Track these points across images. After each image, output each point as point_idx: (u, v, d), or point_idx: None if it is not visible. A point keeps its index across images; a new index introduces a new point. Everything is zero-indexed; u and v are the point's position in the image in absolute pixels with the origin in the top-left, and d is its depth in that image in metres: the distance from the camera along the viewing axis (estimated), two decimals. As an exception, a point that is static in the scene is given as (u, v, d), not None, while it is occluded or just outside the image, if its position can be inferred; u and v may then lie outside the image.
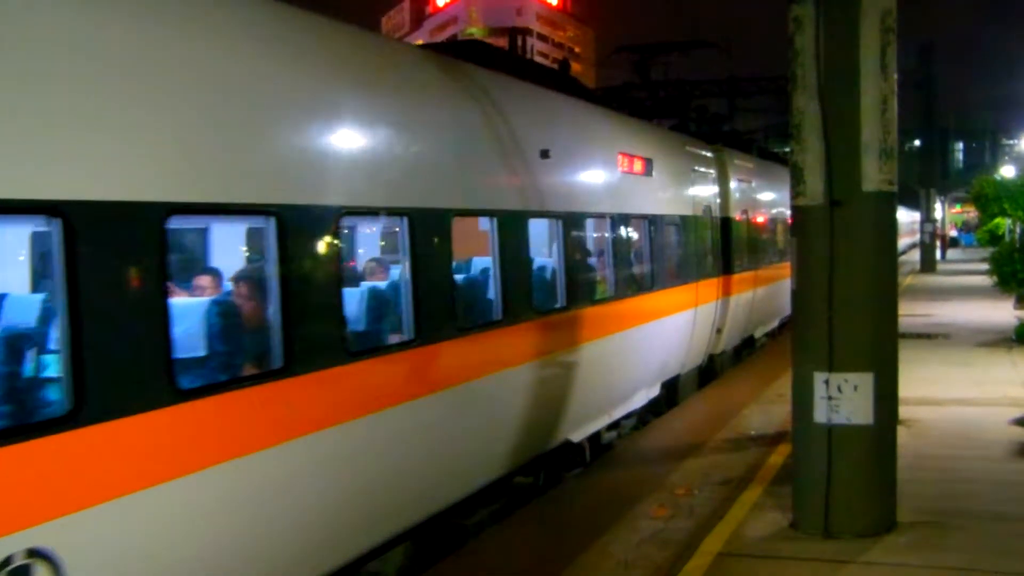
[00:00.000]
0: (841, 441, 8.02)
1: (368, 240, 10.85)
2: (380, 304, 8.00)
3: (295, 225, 6.17)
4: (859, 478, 8.11)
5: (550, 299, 10.38)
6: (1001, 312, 23.93)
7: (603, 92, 18.96)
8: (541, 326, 9.83)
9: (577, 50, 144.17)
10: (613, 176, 12.33)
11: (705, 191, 16.87)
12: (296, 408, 6.16)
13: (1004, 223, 39.53)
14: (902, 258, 58.73)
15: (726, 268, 17.68)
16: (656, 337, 13.49)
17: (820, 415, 8.07)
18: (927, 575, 7.34)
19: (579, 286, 10.90)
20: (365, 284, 8.34)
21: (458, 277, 9.11)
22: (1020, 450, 10.78)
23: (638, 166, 13.13)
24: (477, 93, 9.24)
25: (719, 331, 17.15)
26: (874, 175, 7.93)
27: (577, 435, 11.10)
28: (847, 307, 7.97)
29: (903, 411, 11.34)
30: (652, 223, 13.58)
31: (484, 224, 9.27)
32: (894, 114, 8.00)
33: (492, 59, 10.71)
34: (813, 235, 8.12)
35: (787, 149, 12.68)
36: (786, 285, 21.05)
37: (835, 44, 7.92)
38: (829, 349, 7.97)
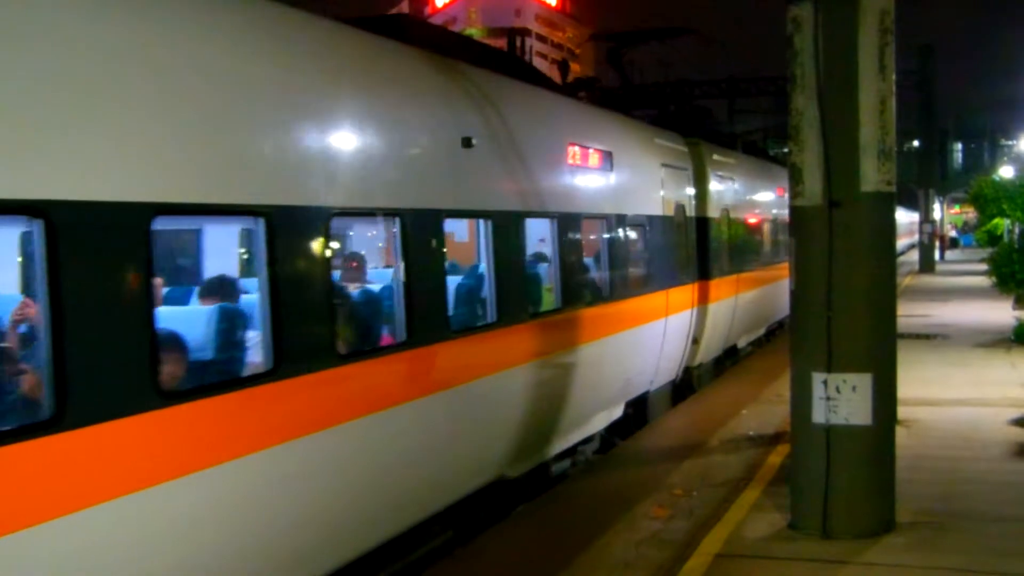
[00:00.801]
0: (840, 442, 8.02)
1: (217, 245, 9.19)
2: (232, 327, 6.74)
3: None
4: (858, 479, 8.10)
5: (476, 314, 9.20)
6: (1000, 312, 23.91)
7: (573, 82, 17.14)
8: (462, 346, 8.39)
9: (576, 51, 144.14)
10: (562, 170, 10.82)
11: (678, 188, 15.27)
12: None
13: (1003, 224, 39.54)
14: (901, 258, 58.76)
15: (703, 273, 16.24)
16: (617, 352, 12.06)
17: (819, 416, 8.07)
18: (926, 575, 7.35)
19: (516, 298, 9.48)
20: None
21: (348, 292, 7.92)
22: (1019, 451, 10.77)
23: (594, 159, 11.62)
24: (383, 70, 7.90)
25: (696, 342, 15.85)
26: (873, 176, 7.93)
27: (516, 469, 9.68)
28: (846, 307, 7.96)
29: (902, 412, 11.35)
30: (612, 224, 12.12)
31: (390, 226, 7.88)
32: (892, 114, 8.00)
33: (419, 35, 9.19)
34: (812, 235, 8.12)
35: (785, 150, 12.47)
36: (773, 290, 20.45)
37: (834, 44, 7.92)
38: (828, 349, 7.96)
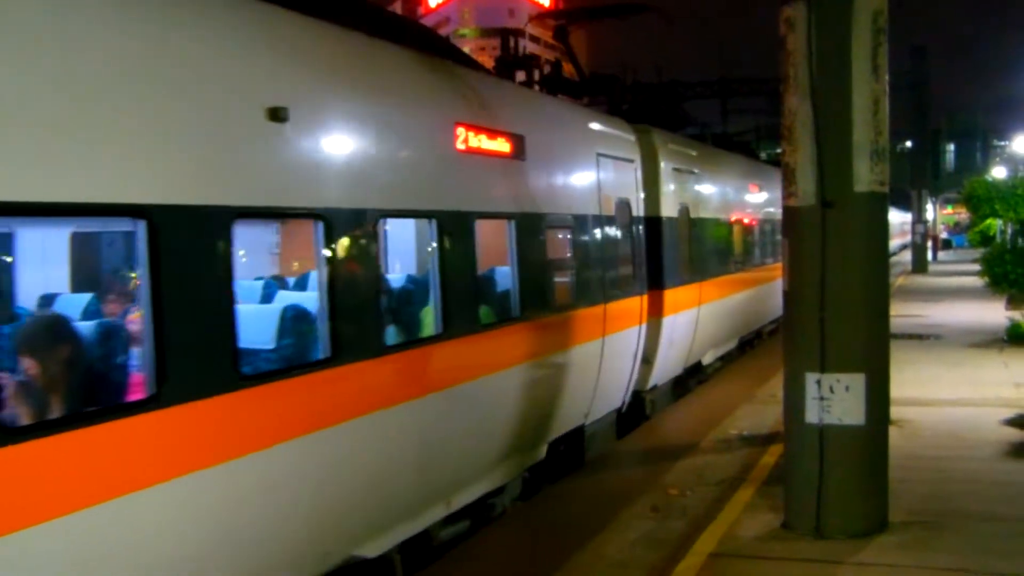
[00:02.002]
0: (833, 441, 8.03)
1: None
2: None
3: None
4: (851, 478, 8.12)
5: (304, 348, 7.02)
6: (992, 313, 23.95)
7: (511, 60, 14.62)
8: (263, 396, 6.11)
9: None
10: (445, 157, 8.49)
11: (621, 183, 12.81)
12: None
13: (995, 224, 39.63)
14: (894, 259, 58.87)
15: (656, 281, 13.98)
16: (529, 385, 9.69)
17: (812, 415, 8.08)
18: (919, 575, 7.35)
19: (367, 325, 7.17)
20: None
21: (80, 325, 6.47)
22: (1012, 450, 10.80)
23: (498, 145, 9.33)
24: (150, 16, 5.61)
25: (647, 362, 13.67)
26: (866, 176, 7.94)
27: (375, 547, 7.45)
28: (839, 308, 7.97)
29: (895, 411, 11.33)
30: (522, 225, 9.67)
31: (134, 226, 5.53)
32: (886, 115, 8.02)
33: None
34: (805, 236, 8.13)
35: (778, 150, 11.86)
36: (746, 298, 19.64)
37: (827, 45, 7.93)
38: (821, 350, 7.97)
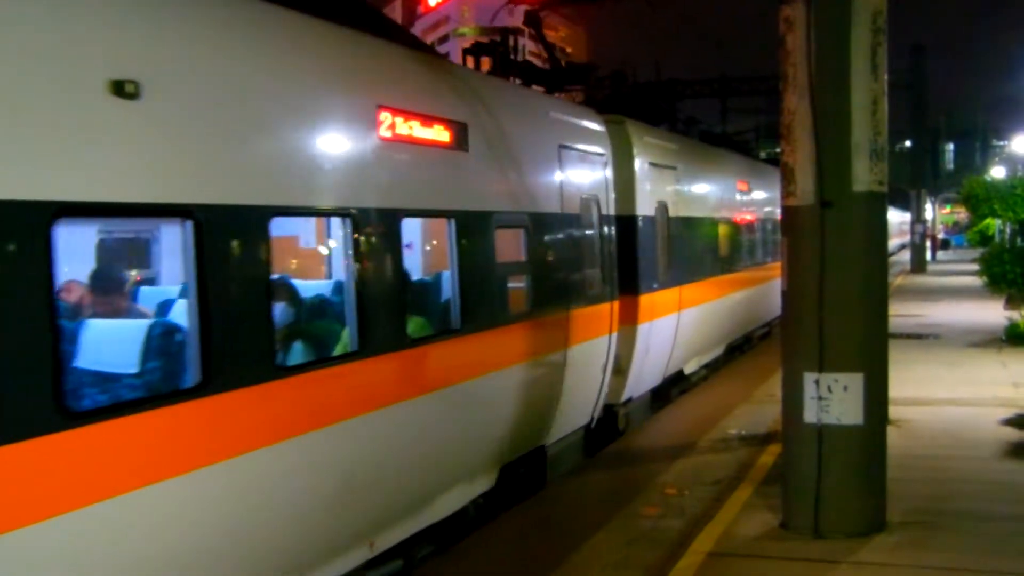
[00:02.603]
0: (831, 441, 8.03)
1: None
2: None
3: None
4: (849, 478, 8.11)
5: (166, 373, 5.88)
6: (991, 312, 23.95)
7: (473, 46, 13.20)
8: (108, 433, 5.02)
9: (569, 50, 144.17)
10: (363, 146, 7.31)
11: (587, 178, 11.64)
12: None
13: (994, 224, 39.63)
14: (892, 258, 58.88)
15: (630, 286, 12.87)
16: (470, 408, 8.69)
17: (810, 415, 8.07)
18: (917, 575, 7.35)
19: (252, 344, 6.04)
20: None
21: None
22: (1010, 450, 10.80)
23: (435, 133, 8.25)
24: None
25: (620, 373, 12.68)
26: (864, 175, 7.94)
27: None
28: (837, 307, 7.97)
29: (893, 411, 11.37)
30: (464, 224, 8.63)
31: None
32: (884, 114, 8.01)
33: None
34: (803, 235, 8.12)
35: (778, 149, 11.55)
36: (734, 302, 19.37)
37: (826, 44, 7.92)
38: (819, 349, 7.97)
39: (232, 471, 5.79)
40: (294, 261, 9.65)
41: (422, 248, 10.13)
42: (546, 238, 10.36)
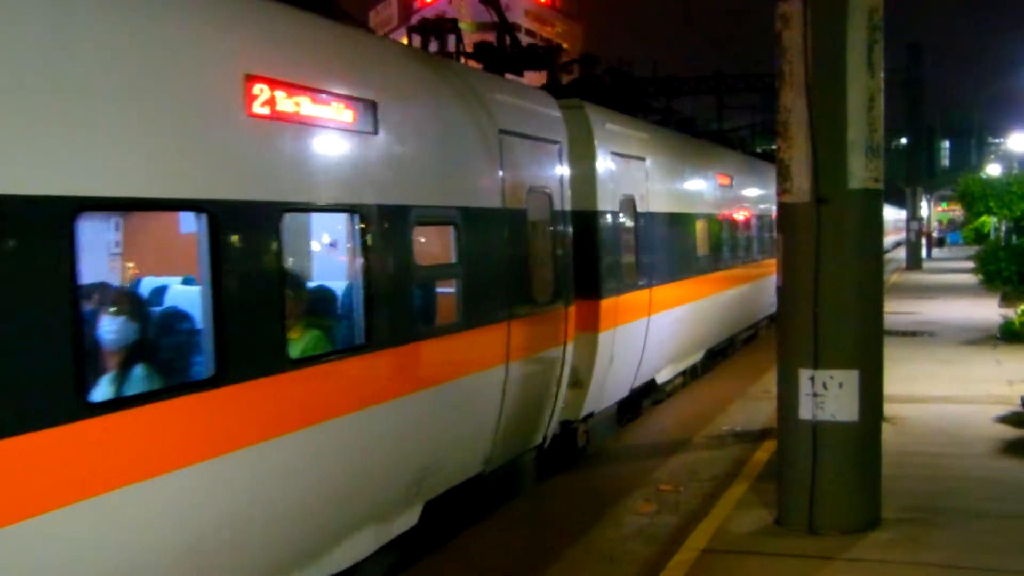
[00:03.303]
0: (826, 438, 8.04)
1: None
2: None
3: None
4: (844, 475, 8.13)
5: None
6: (986, 310, 24.02)
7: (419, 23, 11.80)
8: None
9: (565, 46, 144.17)
10: (225, 125, 6.02)
11: (538, 169, 10.33)
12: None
13: (989, 221, 39.70)
14: (888, 256, 58.94)
15: (589, 289, 11.46)
16: (375, 439, 7.29)
17: (805, 412, 8.08)
18: (911, 572, 7.36)
19: (49, 372, 4.73)
20: None
21: None
22: (1004, 447, 10.82)
23: (332, 111, 6.88)
24: None
25: (578, 386, 11.39)
26: (860, 173, 7.95)
27: None
28: (833, 304, 7.98)
29: (888, 408, 11.38)
30: (371, 220, 7.24)
31: None
32: (880, 112, 8.02)
33: None
34: (799, 232, 8.13)
35: (774, 146, 11.27)
36: (713, 304, 17.29)
37: (822, 41, 7.92)
38: (814, 346, 7.98)
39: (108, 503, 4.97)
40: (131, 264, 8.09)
41: (319, 249, 8.61)
42: (483, 237, 9.06)
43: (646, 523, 8.72)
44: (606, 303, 11.81)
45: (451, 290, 8.59)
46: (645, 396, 14.56)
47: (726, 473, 10.18)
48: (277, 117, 6.34)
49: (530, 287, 9.95)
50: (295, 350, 6.64)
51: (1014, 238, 26.50)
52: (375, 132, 7.39)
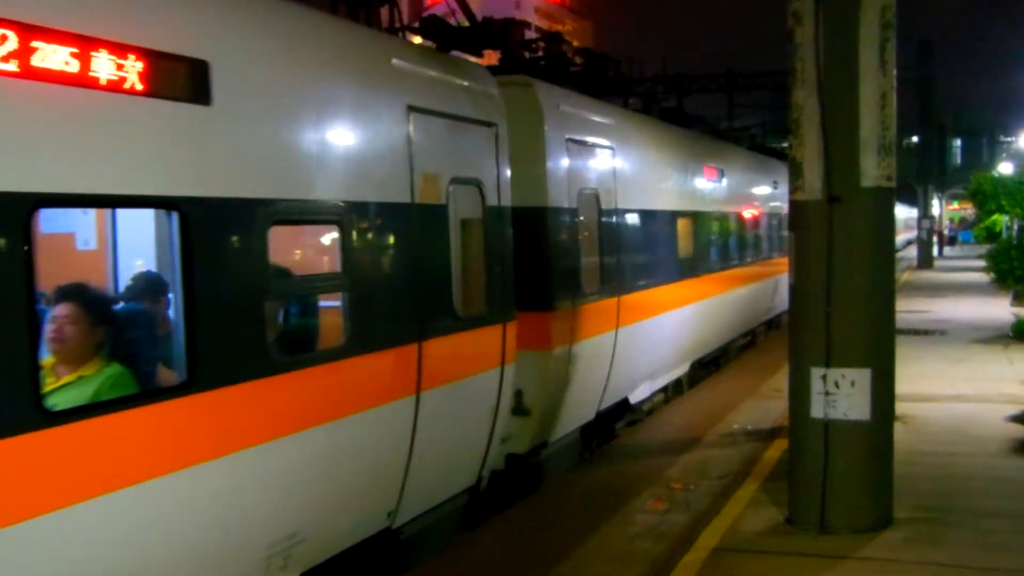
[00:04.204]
0: (838, 437, 8.01)
1: None
2: None
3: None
4: (856, 474, 8.11)
5: None
6: (998, 309, 23.91)
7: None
8: None
9: (575, 43, 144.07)
10: None
11: (464, 155, 8.60)
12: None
13: (1001, 220, 39.56)
14: (899, 254, 58.79)
15: (537, 300, 9.77)
16: (218, 498, 5.70)
17: (817, 410, 8.06)
18: (923, 571, 7.33)
19: None
20: None
21: None
22: (1016, 447, 10.78)
23: (128, 71, 5.15)
24: None
25: (524, 413, 9.79)
26: (872, 171, 7.92)
27: None
28: (845, 303, 7.95)
29: (900, 407, 11.32)
30: (203, 218, 5.63)
31: None
32: (893, 110, 7.99)
33: None
34: (811, 230, 8.10)
35: (785, 144, 11.03)
36: (699, 311, 15.33)
37: (834, 38, 7.90)
38: (827, 344, 7.95)
39: None
40: None
41: (122, 255, 7.04)
42: (381, 239, 7.43)
43: (657, 521, 8.70)
44: (559, 316, 10.09)
45: (335, 305, 6.96)
46: (619, 417, 12.90)
47: (737, 471, 10.16)
48: (30, 75, 4.57)
49: (451, 300, 8.21)
50: (81, 396, 5.24)
51: (1026, 237, 26.48)
52: (207, 103, 5.69)
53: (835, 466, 8.02)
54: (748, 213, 20.15)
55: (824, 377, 7.99)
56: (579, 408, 11.09)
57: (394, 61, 7.81)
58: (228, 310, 5.80)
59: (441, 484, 8.41)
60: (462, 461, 8.72)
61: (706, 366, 17.36)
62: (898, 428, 9.31)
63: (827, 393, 7.99)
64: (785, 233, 18.03)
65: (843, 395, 7.96)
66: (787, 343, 8.57)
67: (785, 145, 10.33)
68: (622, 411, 12.95)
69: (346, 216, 6.88)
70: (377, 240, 7.39)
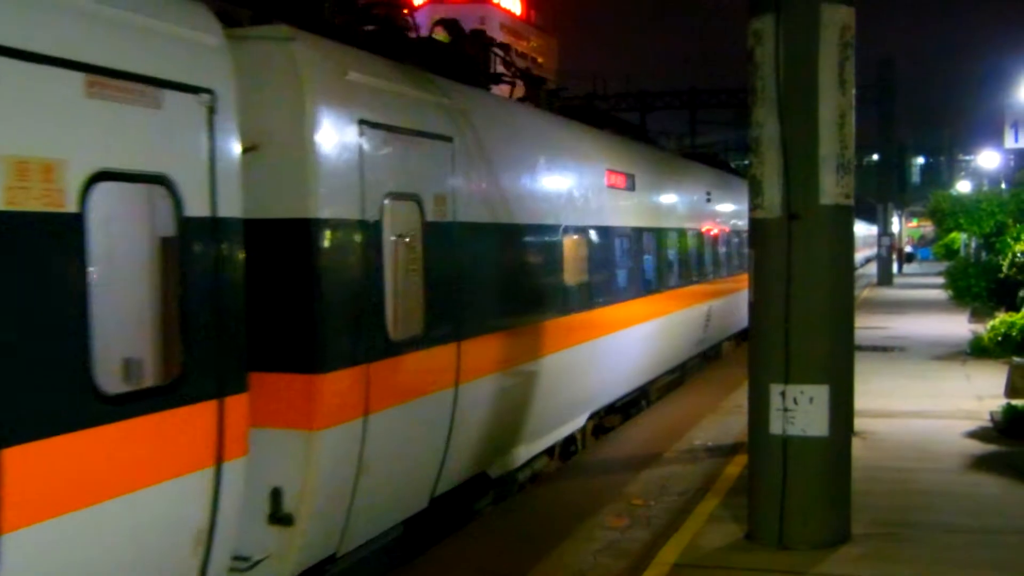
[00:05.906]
0: (796, 453, 8.05)
1: None
2: None
3: None
4: (814, 490, 8.14)
5: None
6: (956, 325, 24.17)
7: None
8: None
9: (540, 60, 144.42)
10: None
11: (133, 142, 5.35)
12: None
13: (959, 238, 40.01)
14: (859, 271, 59.29)
15: (295, 357, 6.86)
16: None
17: (776, 427, 8.10)
18: (880, 586, 7.39)
19: None
20: None
21: None
22: (973, 463, 10.88)
23: None
24: None
25: (284, 522, 6.72)
26: (831, 189, 7.99)
27: None
28: (803, 319, 8.00)
29: (858, 423, 11.44)
30: None
31: None
32: (852, 128, 8.07)
33: None
34: (770, 247, 8.15)
35: (747, 162, 10.82)
36: (592, 352, 11.85)
37: (794, 58, 7.96)
38: (785, 361, 7.99)
39: None
40: None
41: None
42: None
43: (617, 537, 8.70)
44: (334, 378, 7.03)
45: None
46: (483, 493, 10.14)
47: (697, 488, 10.18)
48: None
49: (89, 368, 5.02)
50: None
51: (983, 254, 26.71)
52: None
53: (793, 482, 8.06)
54: (675, 228, 16.74)
55: (783, 393, 8.04)
56: (393, 500, 8.08)
57: None
58: None
59: None
60: None
61: (614, 411, 14.21)
62: (856, 444, 9.38)
63: (786, 409, 8.03)
64: (743, 251, 17.25)
65: (801, 411, 8.00)
66: (747, 360, 8.61)
67: (747, 163, 9.65)
68: (487, 486, 10.12)
69: None
70: None
